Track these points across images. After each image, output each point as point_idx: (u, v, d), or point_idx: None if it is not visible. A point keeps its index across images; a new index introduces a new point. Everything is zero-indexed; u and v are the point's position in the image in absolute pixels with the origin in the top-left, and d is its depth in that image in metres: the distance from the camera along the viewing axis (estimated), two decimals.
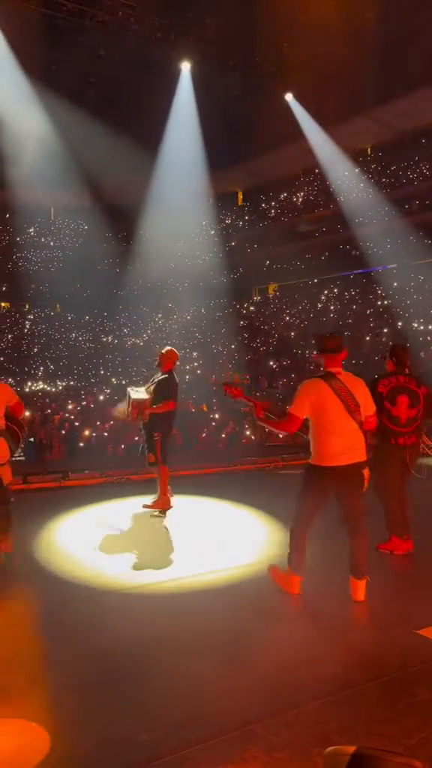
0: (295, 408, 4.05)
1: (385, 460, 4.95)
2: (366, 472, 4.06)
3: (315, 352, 4.32)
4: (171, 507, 6.38)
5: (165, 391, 6.26)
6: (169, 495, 6.37)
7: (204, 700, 2.96)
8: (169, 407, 6.26)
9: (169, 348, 6.60)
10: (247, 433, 12.17)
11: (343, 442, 3.96)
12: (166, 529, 5.99)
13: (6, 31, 12.73)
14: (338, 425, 3.96)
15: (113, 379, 21.35)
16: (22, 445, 4.82)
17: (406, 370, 5.17)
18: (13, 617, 4.03)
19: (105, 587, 4.38)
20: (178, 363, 6.54)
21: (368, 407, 4.15)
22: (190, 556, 5.14)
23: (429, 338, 17.67)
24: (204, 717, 2.80)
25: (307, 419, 4.08)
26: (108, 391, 17.61)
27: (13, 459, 4.83)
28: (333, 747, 1.51)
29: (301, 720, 2.75)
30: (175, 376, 6.44)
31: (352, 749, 1.47)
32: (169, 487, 6.40)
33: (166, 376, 6.35)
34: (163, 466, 6.31)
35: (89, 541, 5.45)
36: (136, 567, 4.86)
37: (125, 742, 2.65)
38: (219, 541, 5.55)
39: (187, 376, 17.81)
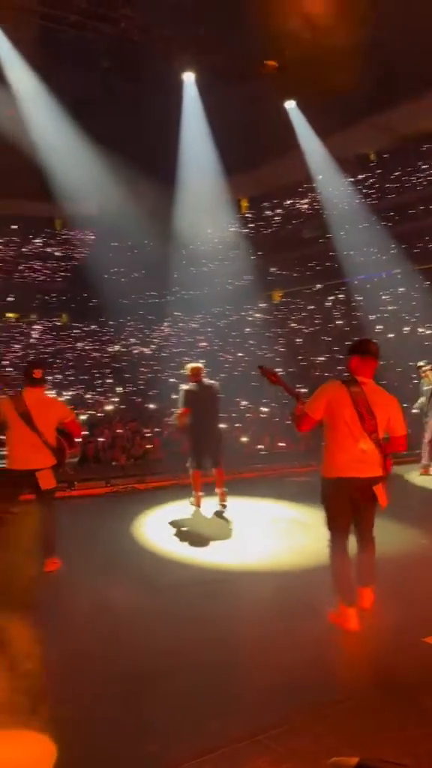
0: (309, 407, 3.86)
1: None
2: (379, 488, 3.86)
3: (348, 354, 4.07)
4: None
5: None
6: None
7: (212, 708, 2.96)
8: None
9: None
10: (243, 439, 12.01)
11: (353, 455, 3.76)
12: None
13: (17, 46, 12.85)
14: (349, 436, 3.76)
15: (119, 388, 21.38)
16: (69, 460, 5.12)
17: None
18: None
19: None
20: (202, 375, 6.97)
21: (395, 428, 3.88)
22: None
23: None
24: (211, 726, 2.79)
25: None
26: (116, 400, 17.63)
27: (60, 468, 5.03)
28: (336, 758, 1.51)
29: (307, 729, 2.73)
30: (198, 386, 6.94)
31: (355, 761, 1.47)
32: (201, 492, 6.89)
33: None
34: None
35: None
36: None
37: (132, 753, 2.65)
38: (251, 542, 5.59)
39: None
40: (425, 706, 2.92)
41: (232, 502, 7.06)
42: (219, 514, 6.74)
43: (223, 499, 6.88)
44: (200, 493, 6.95)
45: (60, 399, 5.40)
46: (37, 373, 4.97)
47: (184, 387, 6.94)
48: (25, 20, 11.33)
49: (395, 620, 3.99)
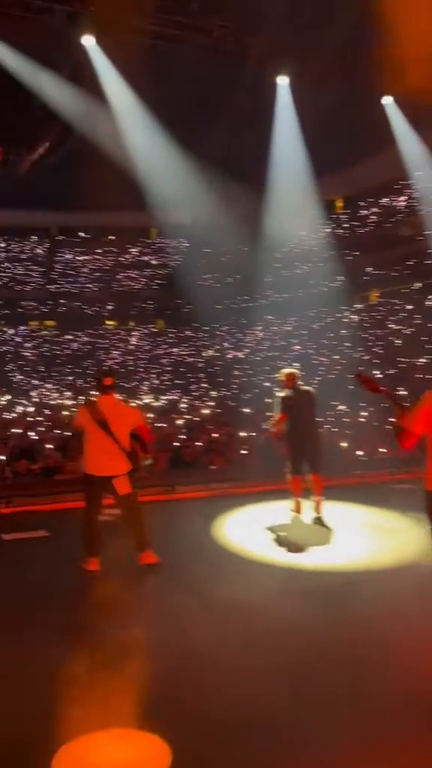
0: (410, 421, 3.49)
1: None
2: None
3: None
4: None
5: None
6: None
7: (341, 709, 2.89)
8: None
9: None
10: (342, 444, 11.66)
11: None
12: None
13: (116, 64, 13.35)
14: None
15: (213, 392, 21.64)
16: (143, 464, 5.30)
17: None
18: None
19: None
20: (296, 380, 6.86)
21: None
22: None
23: None
24: (339, 728, 2.75)
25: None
26: (212, 404, 17.86)
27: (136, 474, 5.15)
28: None
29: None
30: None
31: None
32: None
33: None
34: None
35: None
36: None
37: (250, 754, 2.63)
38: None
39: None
40: None
41: (332, 508, 6.92)
42: (318, 521, 6.62)
43: (317, 509, 6.69)
44: (300, 499, 6.87)
45: (132, 405, 5.56)
46: (108, 381, 5.18)
47: (280, 393, 6.86)
48: (126, 38, 11.71)
49: None
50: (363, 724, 2.81)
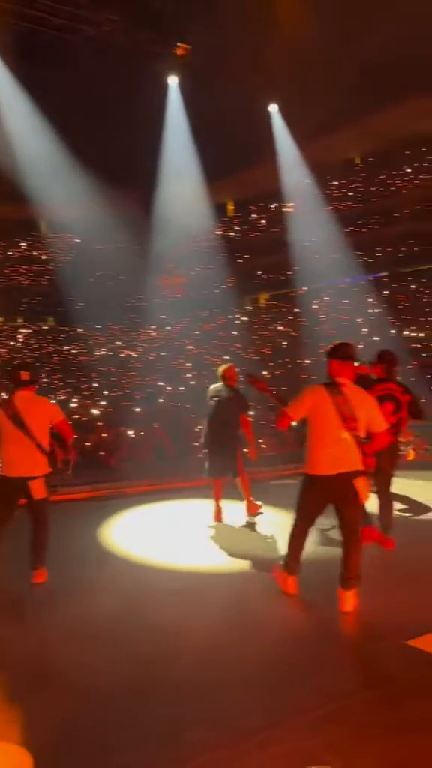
0: (291, 408, 4.14)
1: None
2: (360, 482, 4.02)
3: (326, 358, 4.23)
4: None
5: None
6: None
7: (191, 717, 2.91)
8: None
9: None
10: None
11: (334, 453, 3.98)
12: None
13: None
14: (330, 435, 3.98)
15: (105, 392, 21.28)
16: (60, 467, 4.89)
17: (394, 377, 5.36)
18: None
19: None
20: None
21: (375, 424, 4.10)
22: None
23: (419, 345, 17.74)
24: (189, 736, 2.75)
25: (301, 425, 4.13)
26: (104, 403, 17.55)
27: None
28: (313, 767, 1.49)
29: (289, 736, 2.71)
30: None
31: None
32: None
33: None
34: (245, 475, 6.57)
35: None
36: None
37: (103, 764, 2.60)
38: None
39: (182, 387, 17.78)
40: (407, 711, 2.90)
41: (203, 505, 6.97)
42: (250, 524, 6.57)
43: (250, 511, 6.52)
44: (218, 504, 6.63)
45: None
46: (25, 375, 4.86)
47: (212, 386, 6.67)
48: (6, 22, 11.25)
49: (378, 623, 3.98)
50: (211, 733, 2.85)
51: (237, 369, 6.80)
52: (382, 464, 5.14)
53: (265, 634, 3.84)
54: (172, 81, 14.14)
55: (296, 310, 25.36)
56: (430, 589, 4.53)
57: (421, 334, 18.58)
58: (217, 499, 6.62)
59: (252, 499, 6.55)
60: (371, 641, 3.76)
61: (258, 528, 6.45)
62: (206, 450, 6.53)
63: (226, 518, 6.65)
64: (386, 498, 5.50)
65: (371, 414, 4.08)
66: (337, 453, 3.96)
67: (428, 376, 15.64)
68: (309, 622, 4.07)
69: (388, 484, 5.49)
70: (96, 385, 23.18)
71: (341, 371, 4.14)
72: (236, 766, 2.52)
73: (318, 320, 23.70)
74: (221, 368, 6.72)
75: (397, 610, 4.16)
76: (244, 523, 6.57)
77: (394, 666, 3.36)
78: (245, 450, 6.44)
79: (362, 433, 4.03)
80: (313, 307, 25.26)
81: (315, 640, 3.76)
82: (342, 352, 4.17)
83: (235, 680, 3.25)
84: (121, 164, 20.04)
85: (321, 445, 4.01)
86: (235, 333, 25.12)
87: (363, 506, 4.24)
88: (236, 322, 27.02)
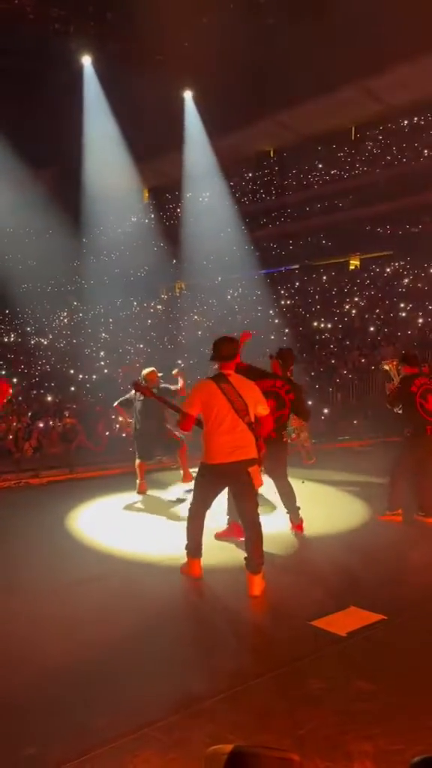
0: (186, 406, 4.32)
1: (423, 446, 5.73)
2: (254, 469, 4.16)
3: (210, 359, 4.41)
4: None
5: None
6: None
7: (97, 704, 2.90)
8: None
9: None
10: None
11: (229, 441, 4.12)
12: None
13: None
14: (224, 425, 4.12)
15: (15, 380, 20.57)
16: None
17: (287, 375, 5.53)
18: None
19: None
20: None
21: (260, 409, 4.28)
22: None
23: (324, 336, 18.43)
24: (95, 724, 2.73)
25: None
26: (11, 391, 16.95)
27: None
28: (212, 747, 1.51)
29: (194, 719, 2.74)
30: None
31: (229, 748, 1.47)
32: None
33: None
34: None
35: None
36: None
37: (7, 758, 2.54)
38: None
39: (95, 376, 17.48)
40: (310, 688, 3.01)
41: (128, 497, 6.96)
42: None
43: (185, 479, 6.95)
44: (141, 480, 7.04)
45: None
46: None
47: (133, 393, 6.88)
48: None
49: (282, 605, 4.10)
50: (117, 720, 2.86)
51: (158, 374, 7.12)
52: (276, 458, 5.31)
53: (172, 621, 3.86)
54: (86, 61, 13.76)
55: (211, 300, 25.50)
56: (332, 572, 4.70)
57: (329, 325, 19.19)
58: (141, 476, 7.06)
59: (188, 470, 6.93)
60: (278, 622, 3.86)
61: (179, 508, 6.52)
62: (136, 439, 7.03)
63: (150, 491, 7.08)
64: (285, 486, 5.56)
65: (256, 397, 4.25)
66: (231, 441, 4.11)
67: (323, 368, 16.17)
68: (217, 606, 4.12)
69: (284, 475, 5.53)
70: (3, 373, 22.36)
71: (224, 365, 4.31)
72: (140, 753, 2.52)
73: (233, 311, 23.96)
74: (144, 372, 7.03)
75: (301, 593, 4.29)
76: (174, 499, 6.98)
77: (299, 646, 3.47)
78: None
79: (252, 418, 4.20)
80: (228, 298, 25.51)
81: (223, 624, 3.82)
82: (222, 353, 4.28)
83: (143, 668, 3.25)
84: (40, 142, 19.34)
85: (216, 433, 4.13)
86: (150, 321, 24.96)
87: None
88: (150, 310, 26.84)
